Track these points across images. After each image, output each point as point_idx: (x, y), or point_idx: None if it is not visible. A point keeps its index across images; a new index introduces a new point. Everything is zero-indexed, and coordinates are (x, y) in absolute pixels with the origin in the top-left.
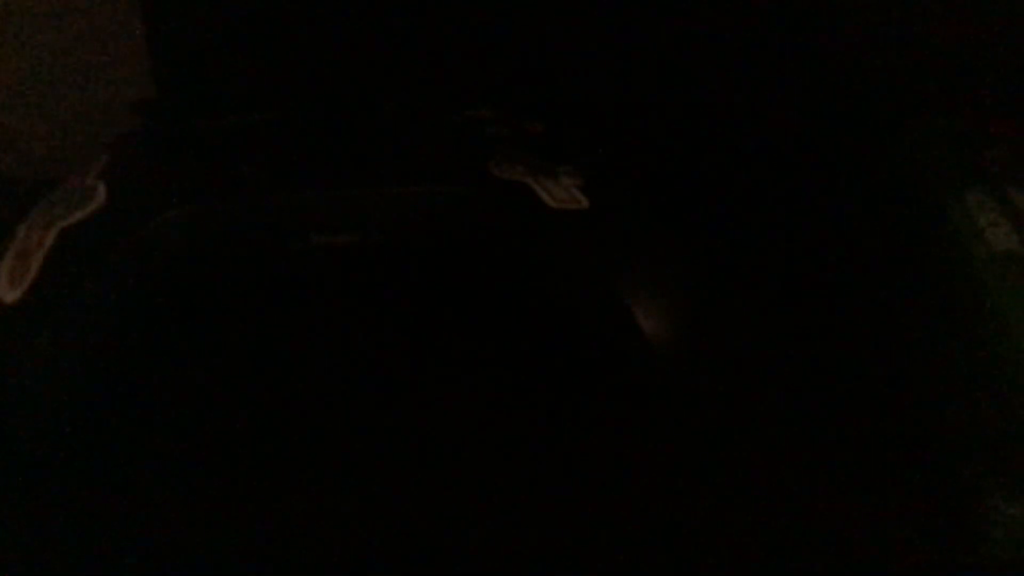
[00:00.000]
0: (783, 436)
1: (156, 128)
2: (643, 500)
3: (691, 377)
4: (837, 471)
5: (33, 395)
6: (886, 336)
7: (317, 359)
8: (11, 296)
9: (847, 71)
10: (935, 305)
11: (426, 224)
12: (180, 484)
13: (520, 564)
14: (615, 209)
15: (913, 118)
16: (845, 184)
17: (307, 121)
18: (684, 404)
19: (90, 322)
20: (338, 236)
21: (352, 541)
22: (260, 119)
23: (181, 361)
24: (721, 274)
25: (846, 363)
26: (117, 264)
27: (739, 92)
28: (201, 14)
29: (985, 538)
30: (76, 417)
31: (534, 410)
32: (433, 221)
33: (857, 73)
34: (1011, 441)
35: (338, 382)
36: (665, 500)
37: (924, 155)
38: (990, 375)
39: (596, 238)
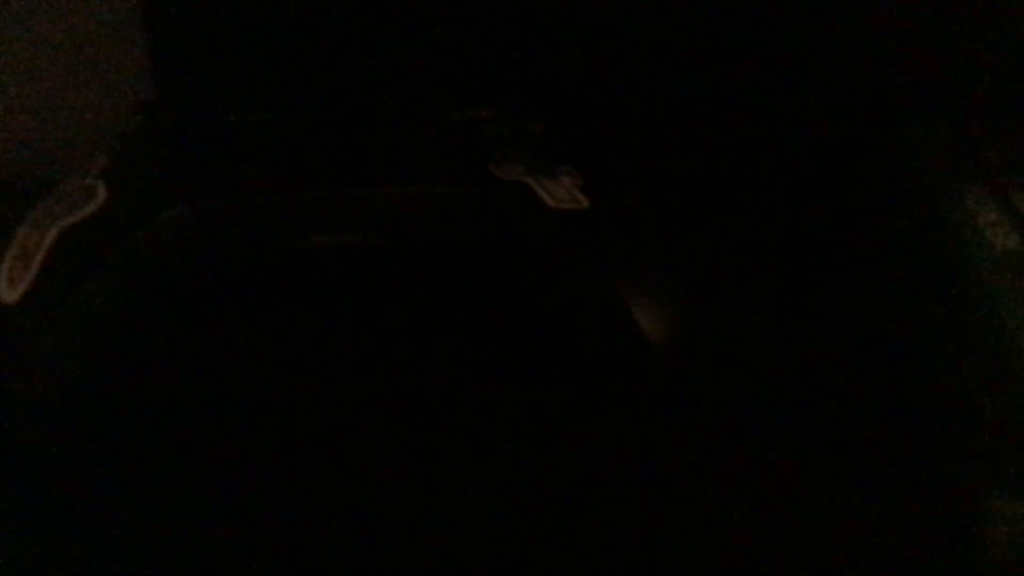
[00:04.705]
0: (783, 436)
1: (156, 128)
2: (643, 500)
3: (691, 377)
4: (837, 471)
5: (33, 395)
6: (886, 336)
7: (317, 358)
8: (11, 296)
9: (847, 71)
10: (935, 305)
11: (426, 224)
12: (180, 484)
13: (520, 565)
14: (615, 209)
15: (913, 118)
16: (845, 184)
17: (307, 121)
18: (684, 404)
19: (90, 322)
20: (338, 236)
21: (351, 541)
22: (260, 119)
23: (181, 361)
24: (721, 274)
25: (846, 363)
26: (117, 264)
27: (739, 92)
28: (201, 14)
29: (985, 538)
30: (76, 417)
31: (534, 410)
32: (433, 221)
33: (857, 73)
34: (1011, 441)
35: (338, 381)
36: (665, 500)
37: (924, 155)
38: (990, 375)
39: (596, 238)
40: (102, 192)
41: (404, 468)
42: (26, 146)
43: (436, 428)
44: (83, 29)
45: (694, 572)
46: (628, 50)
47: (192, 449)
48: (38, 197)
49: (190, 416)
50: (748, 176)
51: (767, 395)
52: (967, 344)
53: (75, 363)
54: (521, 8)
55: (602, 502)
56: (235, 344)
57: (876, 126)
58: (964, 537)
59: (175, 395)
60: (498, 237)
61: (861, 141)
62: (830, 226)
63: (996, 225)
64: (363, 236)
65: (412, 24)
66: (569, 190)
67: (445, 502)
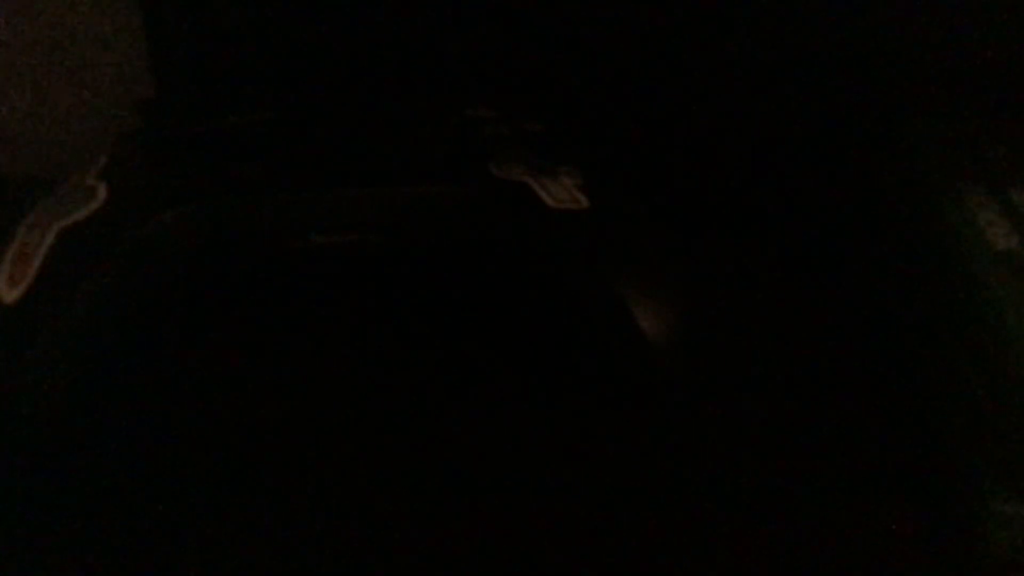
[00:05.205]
0: (783, 436)
1: (156, 128)
2: (643, 501)
3: (691, 377)
4: (836, 471)
5: (33, 395)
6: (886, 336)
7: (317, 359)
8: (11, 296)
9: (846, 71)
10: (935, 305)
11: (426, 224)
12: (180, 484)
13: (520, 565)
14: (615, 209)
15: (913, 118)
16: (845, 184)
17: (307, 121)
18: (684, 404)
19: (90, 322)
20: (338, 236)
21: (351, 542)
22: (260, 119)
23: (181, 361)
24: (721, 274)
25: (846, 363)
26: (117, 264)
27: (739, 92)
28: (201, 14)
29: (985, 538)
30: (76, 417)
31: (534, 410)
32: (433, 221)
33: (857, 73)
34: (1011, 441)
35: (338, 382)
36: (665, 501)
37: (924, 155)
38: (990, 375)
39: (596, 238)
40: (102, 192)
41: (404, 468)
42: (26, 146)
43: (436, 428)
44: (83, 29)
45: (694, 572)
46: (628, 50)
47: (193, 449)
48: (38, 197)
49: (190, 416)
50: (748, 176)
51: (767, 395)
52: (967, 344)
53: (75, 363)
54: (522, 8)
55: (602, 502)
56: (235, 344)
57: (876, 126)
58: (964, 537)
59: (175, 395)
60: (498, 237)
61: (861, 141)
62: (830, 226)
63: (996, 225)
64: (363, 236)
65: (412, 24)
66: (569, 190)
67: (446, 502)
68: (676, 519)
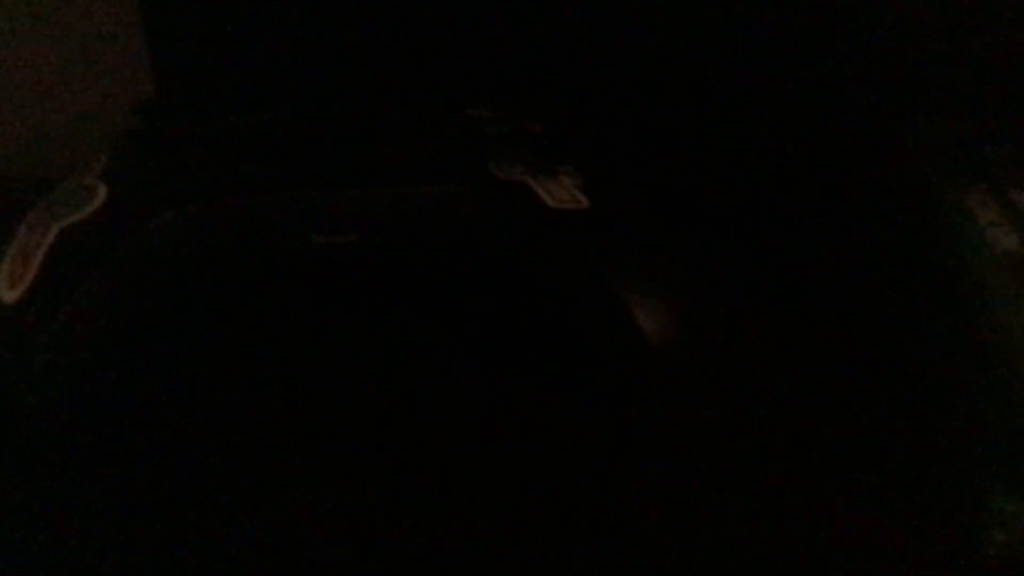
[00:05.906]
0: (782, 436)
1: (156, 128)
2: (642, 500)
3: (691, 377)
4: (837, 471)
5: (33, 395)
6: (886, 336)
7: (317, 358)
8: (11, 296)
9: (847, 71)
10: (935, 305)
11: (426, 224)
12: (179, 483)
13: (518, 564)
14: (615, 209)
15: (913, 118)
16: (846, 184)
17: (307, 121)
18: (684, 404)
19: (90, 322)
20: (338, 236)
21: (349, 542)
22: (260, 119)
23: (181, 360)
24: (721, 274)
25: (846, 363)
26: (117, 264)
27: (740, 92)
28: (201, 14)
29: (985, 538)
30: (76, 417)
31: (534, 409)
32: (433, 221)
33: (857, 73)
34: (1011, 441)
35: (338, 381)
36: (664, 500)
37: (924, 155)
38: (990, 375)
39: (596, 238)
40: (102, 192)
41: (404, 468)
42: (26, 146)
43: (436, 427)
44: (83, 29)
45: (694, 572)
46: (628, 50)
47: (192, 449)
48: (38, 197)
49: (190, 416)
50: (748, 176)
51: (767, 395)
52: (967, 344)
53: (75, 363)
54: (521, 8)
55: (602, 502)
56: (235, 344)
57: (876, 126)
58: (964, 537)
59: (175, 395)
60: (498, 237)
61: (861, 141)
62: (830, 226)
63: (996, 225)
64: (363, 236)
65: (412, 24)
66: (569, 190)
67: (445, 501)
68: (675, 517)
